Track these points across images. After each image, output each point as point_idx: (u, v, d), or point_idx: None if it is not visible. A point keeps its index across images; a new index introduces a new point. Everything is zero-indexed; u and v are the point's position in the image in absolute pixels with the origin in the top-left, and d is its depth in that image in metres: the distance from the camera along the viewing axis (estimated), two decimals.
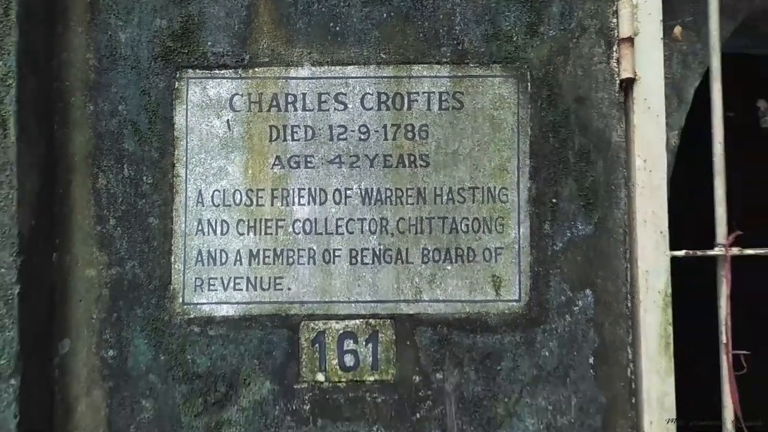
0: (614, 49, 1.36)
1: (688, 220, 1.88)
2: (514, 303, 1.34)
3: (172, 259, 1.34)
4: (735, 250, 1.33)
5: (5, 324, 1.17)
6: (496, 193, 1.35)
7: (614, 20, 1.36)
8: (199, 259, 1.34)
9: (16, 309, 1.18)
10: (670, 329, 1.33)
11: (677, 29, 1.41)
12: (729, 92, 1.35)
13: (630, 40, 1.35)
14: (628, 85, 1.36)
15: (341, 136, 1.36)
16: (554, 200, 1.35)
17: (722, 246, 1.34)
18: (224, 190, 1.35)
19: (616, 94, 1.36)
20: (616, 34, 1.36)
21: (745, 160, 2.13)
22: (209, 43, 1.36)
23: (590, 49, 1.37)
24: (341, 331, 1.34)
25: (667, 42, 1.41)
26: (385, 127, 1.36)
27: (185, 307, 1.33)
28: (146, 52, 1.35)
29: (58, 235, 1.31)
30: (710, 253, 1.34)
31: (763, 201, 2.40)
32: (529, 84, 1.36)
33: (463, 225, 1.35)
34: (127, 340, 1.32)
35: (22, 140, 1.21)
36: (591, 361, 1.34)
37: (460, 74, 1.36)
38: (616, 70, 1.36)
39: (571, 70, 1.36)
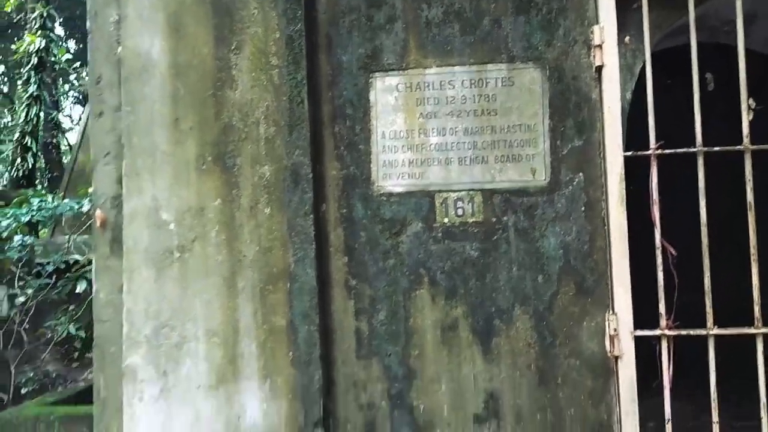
0: (593, 51, 2.65)
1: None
2: (543, 181, 2.66)
3: (372, 165, 2.74)
4: (659, 151, 2.59)
5: (307, 199, 2.61)
6: (532, 126, 2.67)
7: (592, 36, 2.65)
8: (384, 164, 2.73)
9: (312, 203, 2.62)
10: (624, 191, 2.59)
11: (627, 38, 2.68)
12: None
13: (600, 46, 2.63)
14: (600, 69, 2.63)
15: (452, 101, 2.72)
16: (562, 129, 2.66)
17: (652, 149, 2.60)
18: (394, 130, 2.74)
19: (594, 74, 2.65)
20: (593, 43, 2.65)
21: None
22: (386, 59, 2.75)
23: (579, 51, 2.66)
24: (455, 198, 2.69)
25: (623, 45, 2.68)
26: (474, 95, 2.71)
27: (378, 187, 2.73)
28: (355, 65, 2.76)
29: (319, 155, 2.74)
30: (644, 153, 2.60)
31: None
32: (547, 71, 2.67)
33: (515, 143, 2.68)
34: (351, 204, 2.73)
35: (312, 105, 2.65)
36: (582, 209, 2.63)
37: (512, 68, 2.69)
38: (594, 61, 2.64)
39: (570, 62, 2.66)
